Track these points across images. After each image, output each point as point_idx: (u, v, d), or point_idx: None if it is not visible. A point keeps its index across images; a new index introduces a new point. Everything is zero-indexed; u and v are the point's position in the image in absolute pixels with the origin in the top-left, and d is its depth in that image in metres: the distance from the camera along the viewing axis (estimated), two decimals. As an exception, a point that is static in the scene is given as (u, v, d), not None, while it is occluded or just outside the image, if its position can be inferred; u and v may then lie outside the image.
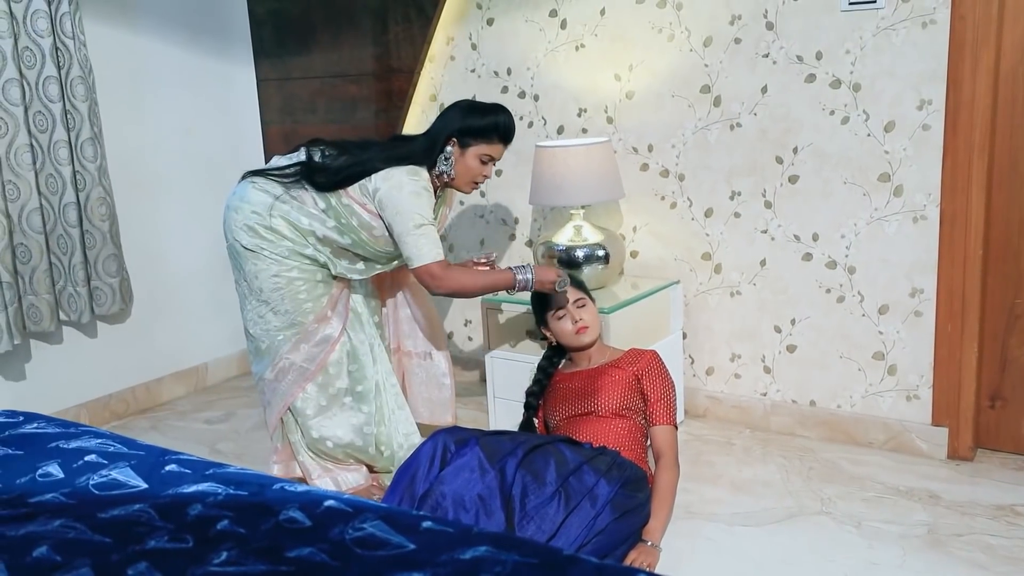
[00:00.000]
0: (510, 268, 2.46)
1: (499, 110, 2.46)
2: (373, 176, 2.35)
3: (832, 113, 2.75)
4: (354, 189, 2.37)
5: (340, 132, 3.71)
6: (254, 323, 2.46)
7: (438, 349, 2.76)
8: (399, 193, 2.32)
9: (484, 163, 2.46)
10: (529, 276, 2.44)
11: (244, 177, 2.49)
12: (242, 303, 2.50)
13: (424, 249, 2.33)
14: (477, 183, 2.50)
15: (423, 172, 2.39)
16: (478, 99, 3.46)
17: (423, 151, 2.41)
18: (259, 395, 2.58)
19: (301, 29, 3.80)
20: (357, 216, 2.38)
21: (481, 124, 2.42)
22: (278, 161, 2.49)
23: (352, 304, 2.55)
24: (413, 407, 2.75)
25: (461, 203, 3.62)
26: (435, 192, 2.47)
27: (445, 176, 2.45)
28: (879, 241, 2.75)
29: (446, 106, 2.55)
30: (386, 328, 2.75)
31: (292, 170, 2.41)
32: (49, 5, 3.04)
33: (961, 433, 2.72)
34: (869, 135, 2.70)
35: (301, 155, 2.46)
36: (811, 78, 2.76)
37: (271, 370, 2.47)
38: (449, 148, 2.42)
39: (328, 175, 2.37)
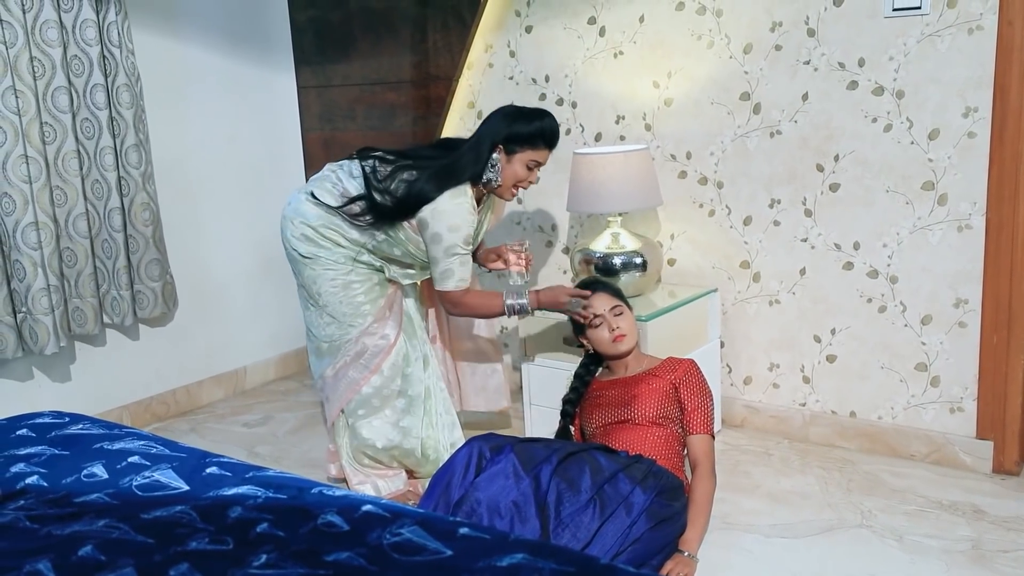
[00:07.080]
0: (500, 293, 2.52)
1: (543, 115, 2.46)
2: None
3: (875, 120, 2.71)
4: None
5: (379, 139, 3.74)
6: (317, 326, 2.52)
7: (489, 340, 2.87)
8: (438, 221, 2.37)
9: (530, 169, 2.47)
10: (524, 301, 2.49)
11: (301, 190, 2.52)
12: (304, 305, 2.55)
13: (449, 275, 2.41)
14: (518, 188, 2.51)
15: (467, 190, 2.41)
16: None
17: (470, 164, 2.42)
18: (318, 393, 2.63)
19: (341, 37, 3.84)
20: (403, 230, 2.44)
21: (528, 130, 2.42)
22: (330, 172, 2.51)
23: (405, 308, 2.60)
24: (466, 397, 2.82)
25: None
26: (479, 201, 2.48)
27: (492, 183, 2.47)
28: (922, 250, 2.70)
29: (489, 112, 2.56)
30: (440, 326, 2.83)
31: (354, 209, 2.43)
32: (97, 14, 3.11)
33: (1007, 447, 2.66)
34: (913, 143, 2.66)
35: (354, 169, 2.48)
36: (853, 85, 2.73)
37: (332, 368, 2.52)
38: (495, 155, 2.43)
39: (388, 213, 2.41)
